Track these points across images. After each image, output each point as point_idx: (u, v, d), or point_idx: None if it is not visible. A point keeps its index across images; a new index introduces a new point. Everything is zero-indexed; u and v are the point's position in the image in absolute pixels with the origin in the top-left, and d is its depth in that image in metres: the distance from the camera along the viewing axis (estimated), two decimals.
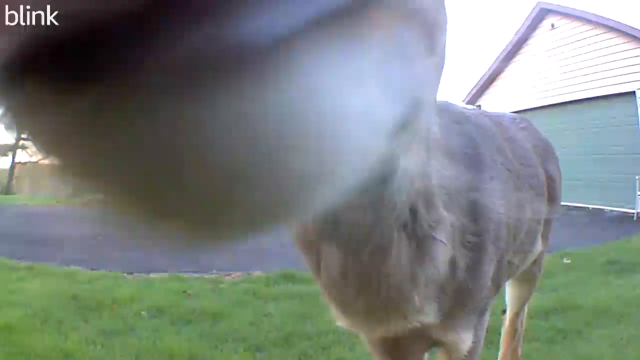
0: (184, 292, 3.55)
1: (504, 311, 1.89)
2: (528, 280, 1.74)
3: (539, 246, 1.48)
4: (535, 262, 1.60)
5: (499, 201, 0.93)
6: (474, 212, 0.83)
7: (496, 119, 1.41)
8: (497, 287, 0.99)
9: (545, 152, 1.61)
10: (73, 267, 4.44)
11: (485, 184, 0.90)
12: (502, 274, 1.00)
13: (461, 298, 0.82)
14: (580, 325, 2.66)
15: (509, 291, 1.83)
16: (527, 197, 1.18)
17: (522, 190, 1.15)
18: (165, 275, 4.23)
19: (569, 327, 2.63)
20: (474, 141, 0.95)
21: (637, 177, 7.87)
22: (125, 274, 4.26)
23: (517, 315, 1.86)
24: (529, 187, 1.24)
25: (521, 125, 1.58)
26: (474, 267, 0.83)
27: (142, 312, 3.00)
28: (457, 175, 0.80)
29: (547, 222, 1.53)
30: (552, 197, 1.53)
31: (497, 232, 0.90)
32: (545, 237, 1.58)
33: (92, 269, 4.38)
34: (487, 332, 1.95)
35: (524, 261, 1.35)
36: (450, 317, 0.83)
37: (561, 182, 1.69)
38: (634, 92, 8.05)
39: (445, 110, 1.03)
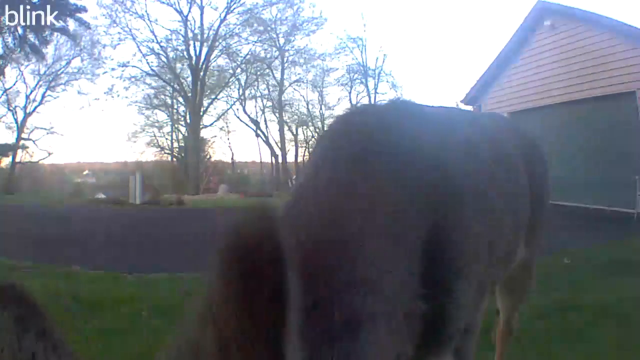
0: (185, 292, 3.54)
1: (498, 312, 1.88)
2: (518, 288, 1.70)
3: (520, 253, 1.42)
4: (525, 269, 1.54)
5: (468, 222, 0.91)
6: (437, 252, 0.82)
7: (471, 119, 1.35)
8: (477, 305, 0.98)
9: (531, 152, 1.53)
10: (73, 267, 4.43)
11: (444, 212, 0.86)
12: (481, 293, 0.99)
13: (434, 334, 0.83)
14: (580, 325, 2.66)
15: (500, 299, 1.79)
16: (501, 204, 1.13)
17: (496, 196, 1.10)
18: (165, 275, 4.23)
19: (569, 327, 2.63)
20: (428, 154, 0.92)
21: (637, 177, 7.87)
22: (125, 274, 4.25)
23: (511, 317, 1.84)
24: (506, 192, 1.18)
25: (501, 124, 1.52)
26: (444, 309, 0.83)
27: (142, 312, 3.00)
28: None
29: (533, 227, 1.47)
30: (538, 199, 1.47)
31: (465, 263, 0.88)
32: (531, 243, 1.51)
33: (92, 269, 4.37)
34: (486, 332, 1.95)
35: (503, 271, 1.31)
36: (425, 344, 0.82)
37: (548, 182, 1.61)
38: (634, 92, 8.05)
39: (401, 115, 1.02)
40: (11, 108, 24.73)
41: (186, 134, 27.68)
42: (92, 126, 48.25)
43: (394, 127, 0.96)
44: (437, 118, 1.20)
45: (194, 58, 25.61)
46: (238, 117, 29.87)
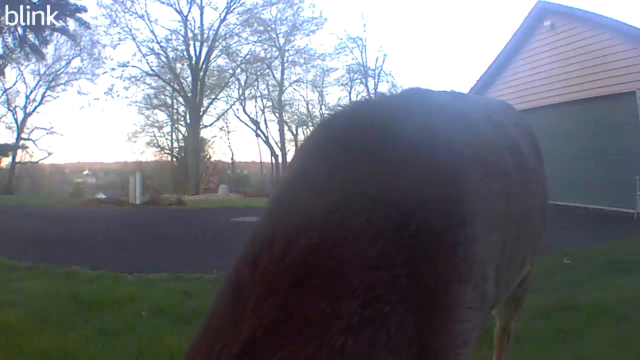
0: (184, 292, 3.55)
1: (494, 316, 1.85)
2: (513, 302, 1.60)
3: (526, 267, 1.34)
4: (521, 284, 1.44)
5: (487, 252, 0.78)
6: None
7: (486, 115, 1.16)
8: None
9: (538, 152, 1.43)
10: (73, 267, 4.43)
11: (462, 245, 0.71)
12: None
13: None
14: (580, 325, 2.66)
15: (495, 310, 1.69)
16: (519, 223, 1.01)
17: (514, 211, 0.97)
18: (165, 275, 4.23)
19: (569, 327, 2.63)
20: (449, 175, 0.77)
21: (637, 177, 7.87)
22: (125, 274, 4.25)
23: (507, 323, 1.79)
24: (525, 205, 1.08)
25: (510, 115, 1.38)
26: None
27: (142, 312, 3.00)
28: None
29: (537, 240, 1.38)
30: (545, 205, 1.38)
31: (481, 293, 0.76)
32: (533, 256, 1.43)
33: (92, 269, 4.37)
34: (485, 331, 1.94)
35: (509, 286, 1.21)
36: None
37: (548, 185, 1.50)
38: (634, 92, 8.05)
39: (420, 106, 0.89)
40: (11, 108, 24.79)
41: (186, 134, 27.71)
42: (92, 126, 48.40)
43: (399, 124, 0.80)
44: (450, 112, 1.00)
45: (194, 58, 25.65)
46: (238, 117, 30.00)
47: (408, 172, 0.72)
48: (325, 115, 0.98)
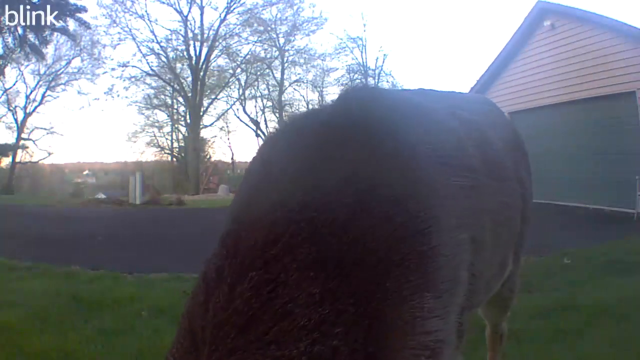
0: (184, 292, 3.55)
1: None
2: (498, 303, 1.56)
3: (509, 267, 1.33)
4: (504, 284, 1.41)
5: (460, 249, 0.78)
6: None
7: (456, 110, 1.13)
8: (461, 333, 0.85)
9: (520, 152, 1.41)
10: (73, 267, 4.43)
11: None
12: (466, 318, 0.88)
13: None
14: (580, 325, 2.66)
15: (482, 311, 1.66)
16: (492, 226, 0.98)
17: (486, 217, 0.96)
18: (165, 275, 4.23)
19: (569, 327, 2.63)
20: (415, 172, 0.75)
21: (637, 177, 7.87)
22: (125, 274, 4.25)
23: (497, 325, 1.76)
24: (497, 207, 1.06)
25: (494, 122, 1.34)
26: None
27: (142, 312, 3.00)
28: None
29: (521, 236, 1.37)
30: (526, 204, 1.36)
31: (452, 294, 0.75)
32: (517, 252, 1.42)
33: (92, 269, 4.37)
34: (479, 330, 1.94)
35: (491, 285, 1.20)
36: None
37: (532, 184, 1.48)
38: (634, 92, 8.04)
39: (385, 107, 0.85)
40: (11, 108, 24.76)
41: (186, 134, 27.69)
42: (92, 126, 48.32)
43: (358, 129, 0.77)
44: (415, 114, 0.96)
45: (194, 58, 25.62)
46: (238, 117, 29.92)
47: (349, 189, 0.69)
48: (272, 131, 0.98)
